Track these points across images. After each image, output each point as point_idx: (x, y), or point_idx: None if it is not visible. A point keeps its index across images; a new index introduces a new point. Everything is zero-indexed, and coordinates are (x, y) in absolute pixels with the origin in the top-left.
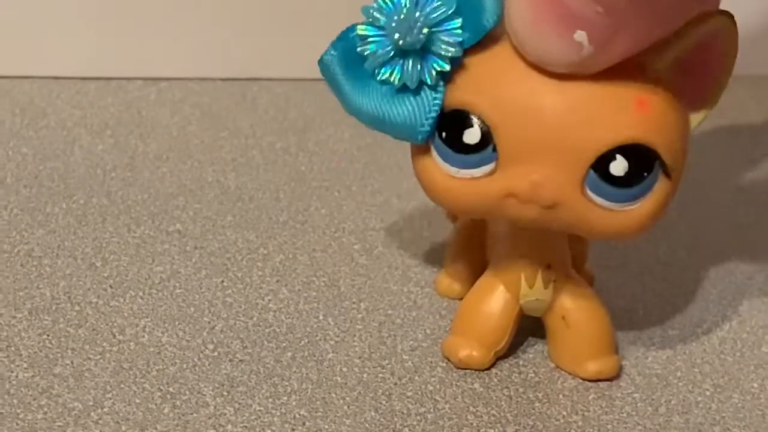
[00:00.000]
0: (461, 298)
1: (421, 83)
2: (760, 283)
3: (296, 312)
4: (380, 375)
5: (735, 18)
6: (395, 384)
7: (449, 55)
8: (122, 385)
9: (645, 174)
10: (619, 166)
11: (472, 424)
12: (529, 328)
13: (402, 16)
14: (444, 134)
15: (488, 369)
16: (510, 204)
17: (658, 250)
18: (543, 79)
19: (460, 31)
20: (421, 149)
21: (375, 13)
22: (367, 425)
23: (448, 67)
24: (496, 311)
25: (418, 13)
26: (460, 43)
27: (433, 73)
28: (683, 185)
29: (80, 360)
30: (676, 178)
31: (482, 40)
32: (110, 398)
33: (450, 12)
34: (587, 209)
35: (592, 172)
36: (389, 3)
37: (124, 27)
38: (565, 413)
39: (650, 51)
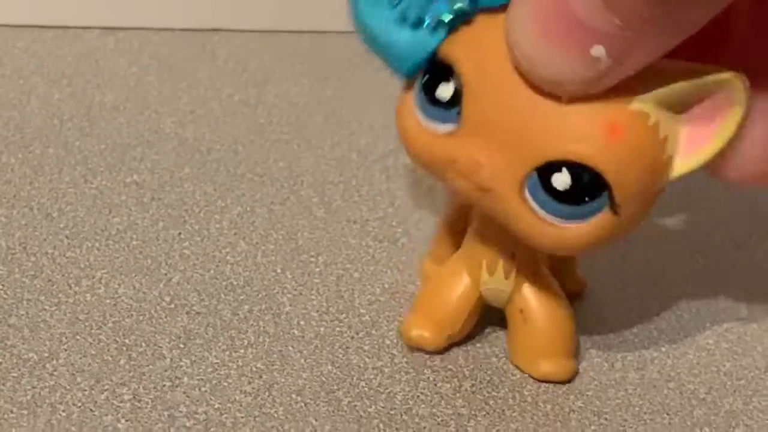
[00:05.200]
0: None
1: (422, 21)
2: (717, 242)
3: (254, 265)
4: (337, 329)
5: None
6: (352, 338)
7: (456, 6)
8: (78, 337)
9: (587, 199)
10: (561, 180)
11: (428, 378)
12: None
13: None
14: (425, 79)
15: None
16: (451, 171)
17: None
18: None
19: None
20: (406, 92)
21: None
22: (323, 379)
23: (448, 18)
24: (455, 295)
25: None
26: (473, 1)
27: (434, 17)
28: None
29: (36, 311)
30: (626, 217)
31: (495, 8)
32: (66, 349)
33: None
34: (519, 210)
35: (535, 174)
36: None
37: None
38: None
39: (648, 83)
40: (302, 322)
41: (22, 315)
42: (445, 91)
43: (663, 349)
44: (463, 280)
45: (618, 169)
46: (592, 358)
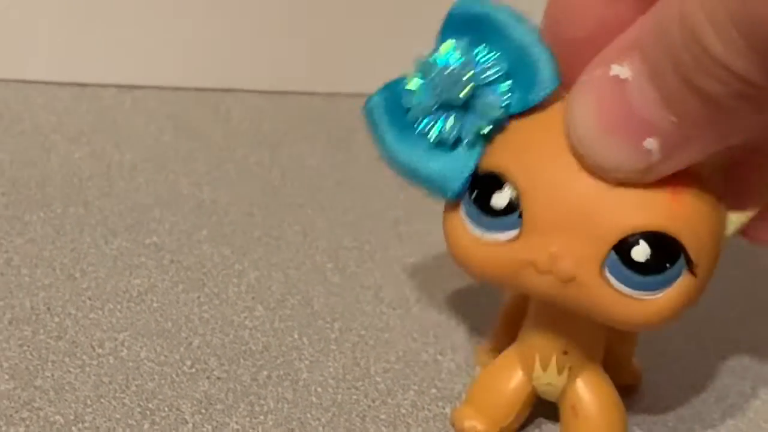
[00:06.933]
0: None
1: (459, 140)
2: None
3: (271, 330)
4: (354, 396)
5: None
6: (369, 406)
7: (491, 116)
8: (102, 400)
9: (667, 265)
10: (641, 252)
11: None
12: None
13: (448, 72)
14: (474, 194)
15: None
16: (528, 273)
17: None
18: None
19: (508, 94)
20: (452, 208)
21: (425, 67)
22: None
23: (487, 129)
24: (508, 388)
25: (466, 70)
26: (505, 107)
27: (472, 132)
28: None
29: (61, 373)
30: (702, 276)
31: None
32: (91, 413)
33: (500, 74)
34: (603, 291)
35: (613, 253)
36: (440, 58)
37: (100, 32)
38: None
39: None
40: (319, 389)
41: (48, 377)
42: (500, 200)
43: None
44: (516, 373)
45: (689, 229)
46: None
